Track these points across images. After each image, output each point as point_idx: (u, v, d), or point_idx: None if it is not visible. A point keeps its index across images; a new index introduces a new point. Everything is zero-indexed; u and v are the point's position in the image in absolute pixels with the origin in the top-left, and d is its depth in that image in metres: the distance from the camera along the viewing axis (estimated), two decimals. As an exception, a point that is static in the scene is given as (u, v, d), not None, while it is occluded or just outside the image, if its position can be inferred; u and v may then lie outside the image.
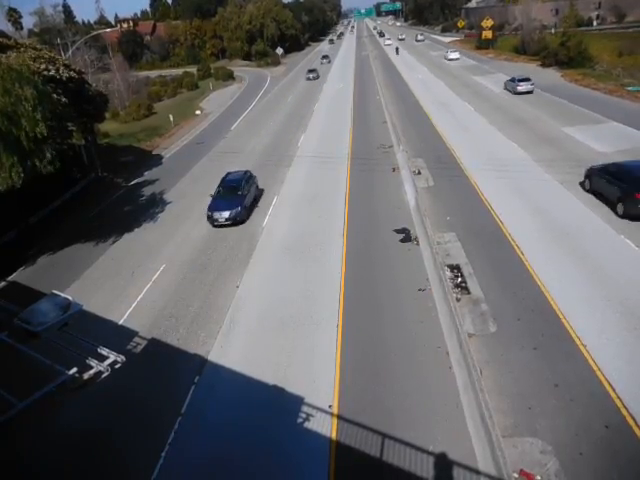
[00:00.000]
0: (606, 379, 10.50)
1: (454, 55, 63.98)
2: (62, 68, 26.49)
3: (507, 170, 21.98)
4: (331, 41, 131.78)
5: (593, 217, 17.34)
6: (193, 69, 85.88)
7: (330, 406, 10.88)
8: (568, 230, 16.75)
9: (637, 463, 8.78)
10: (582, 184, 19.84)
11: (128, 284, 17.57)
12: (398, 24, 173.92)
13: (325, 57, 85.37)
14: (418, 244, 17.34)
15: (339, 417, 10.56)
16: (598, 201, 18.45)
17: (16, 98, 15.95)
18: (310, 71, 65.58)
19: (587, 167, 19.69)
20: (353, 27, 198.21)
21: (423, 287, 14.75)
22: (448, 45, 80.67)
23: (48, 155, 17.63)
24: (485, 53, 67.19)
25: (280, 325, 13.98)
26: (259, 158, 31.25)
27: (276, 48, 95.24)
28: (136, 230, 22.52)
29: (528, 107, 34.36)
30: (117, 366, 9.80)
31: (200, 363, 12.94)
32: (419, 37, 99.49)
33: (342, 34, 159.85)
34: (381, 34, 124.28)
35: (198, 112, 52.60)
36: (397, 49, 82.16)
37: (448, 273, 15.12)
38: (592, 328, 12.02)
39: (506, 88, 41.26)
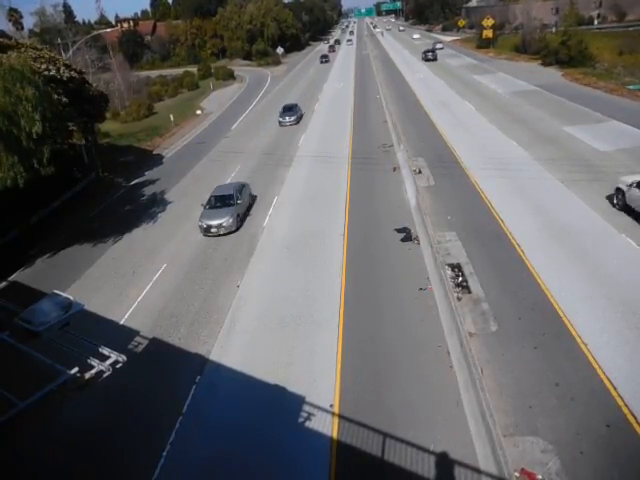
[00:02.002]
0: (607, 378, 10.50)
1: (416, 36, 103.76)
2: (62, 68, 26.54)
3: (507, 169, 21.97)
4: (324, 58, 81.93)
5: (594, 216, 17.32)
6: (193, 69, 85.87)
7: (331, 405, 10.89)
8: (569, 229, 16.73)
9: (638, 462, 8.77)
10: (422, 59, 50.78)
11: (129, 284, 17.59)
12: (392, 20, 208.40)
13: (287, 112, 40.04)
14: (419, 243, 17.33)
15: (340, 416, 10.57)
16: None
17: (16, 98, 15.97)
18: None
19: None
20: (352, 32, 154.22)
21: (424, 286, 14.75)
22: (414, 30, 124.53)
23: (47, 155, 17.64)
24: (485, 52, 67.12)
25: (281, 325, 13.99)
26: (260, 158, 31.27)
27: (276, 48, 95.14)
28: (137, 230, 22.54)
29: (528, 106, 34.32)
30: (118, 366, 9.81)
31: (201, 363, 12.95)
32: (400, 28, 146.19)
33: (338, 42, 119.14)
34: (374, 26, 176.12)
35: (199, 112, 52.60)
36: (382, 33, 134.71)
37: (449, 272, 15.11)
38: (593, 327, 12.01)
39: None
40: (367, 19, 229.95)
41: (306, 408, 10.91)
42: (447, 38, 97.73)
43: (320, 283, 15.84)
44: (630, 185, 16.63)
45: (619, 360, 10.88)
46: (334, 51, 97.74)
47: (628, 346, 11.23)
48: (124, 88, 58.55)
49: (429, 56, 63.56)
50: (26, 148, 16.50)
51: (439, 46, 74.59)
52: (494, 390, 10.53)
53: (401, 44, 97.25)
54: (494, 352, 11.79)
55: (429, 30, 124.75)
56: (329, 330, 13.43)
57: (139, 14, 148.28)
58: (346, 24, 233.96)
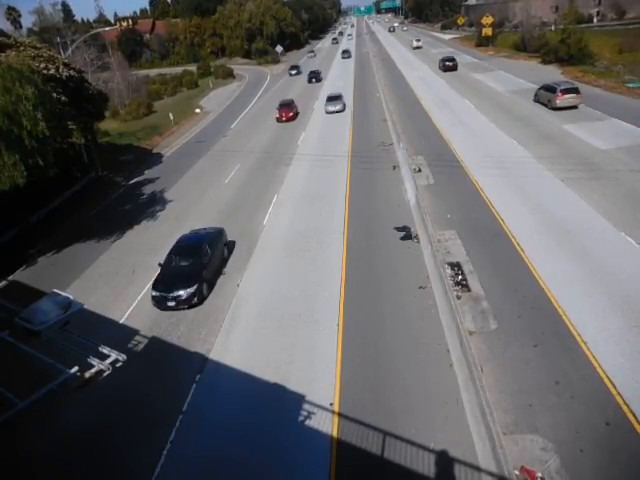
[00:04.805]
0: (607, 376, 10.52)
1: (395, 24, 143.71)
2: (61, 67, 26.50)
3: (508, 167, 21.96)
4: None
5: (594, 214, 17.31)
6: (193, 67, 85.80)
7: (331, 404, 10.91)
8: (569, 227, 16.73)
9: (638, 459, 8.79)
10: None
11: (129, 283, 17.59)
12: (382, 17, 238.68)
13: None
14: (418, 242, 17.33)
15: (340, 415, 10.58)
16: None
17: (17, 97, 15.95)
18: None
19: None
20: (348, 54, 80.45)
21: (423, 285, 14.76)
22: (393, 21, 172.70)
23: (50, 154, 17.62)
24: (485, 50, 67.02)
25: (281, 323, 14.00)
26: (259, 156, 31.25)
27: (276, 46, 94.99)
28: (136, 229, 22.53)
29: (528, 105, 34.26)
30: (118, 365, 9.87)
31: (201, 361, 12.96)
32: (386, 20, 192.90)
33: (316, 77, 59.71)
34: (369, 18, 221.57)
35: (198, 110, 52.55)
36: (372, 23, 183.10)
37: (448, 271, 15.12)
38: (593, 325, 12.03)
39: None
40: (365, 17, 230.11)
41: (306, 407, 10.92)
42: (446, 36, 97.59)
43: (320, 281, 15.84)
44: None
45: (619, 358, 10.89)
46: (294, 117, 40.47)
47: (628, 344, 11.24)
48: (123, 87, 58.38)
49: (390, 29, 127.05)
50: (28, 148, 16.48)
51: (405, 28, 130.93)
52: (494, 388, 10.55)
53: (382, 28, 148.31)
54: (494, 350, 11.80)
55: (402, 22, 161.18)
56: (329, 328, 13.44)
57: (138, 13, 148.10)
58: (340, 30, 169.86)
